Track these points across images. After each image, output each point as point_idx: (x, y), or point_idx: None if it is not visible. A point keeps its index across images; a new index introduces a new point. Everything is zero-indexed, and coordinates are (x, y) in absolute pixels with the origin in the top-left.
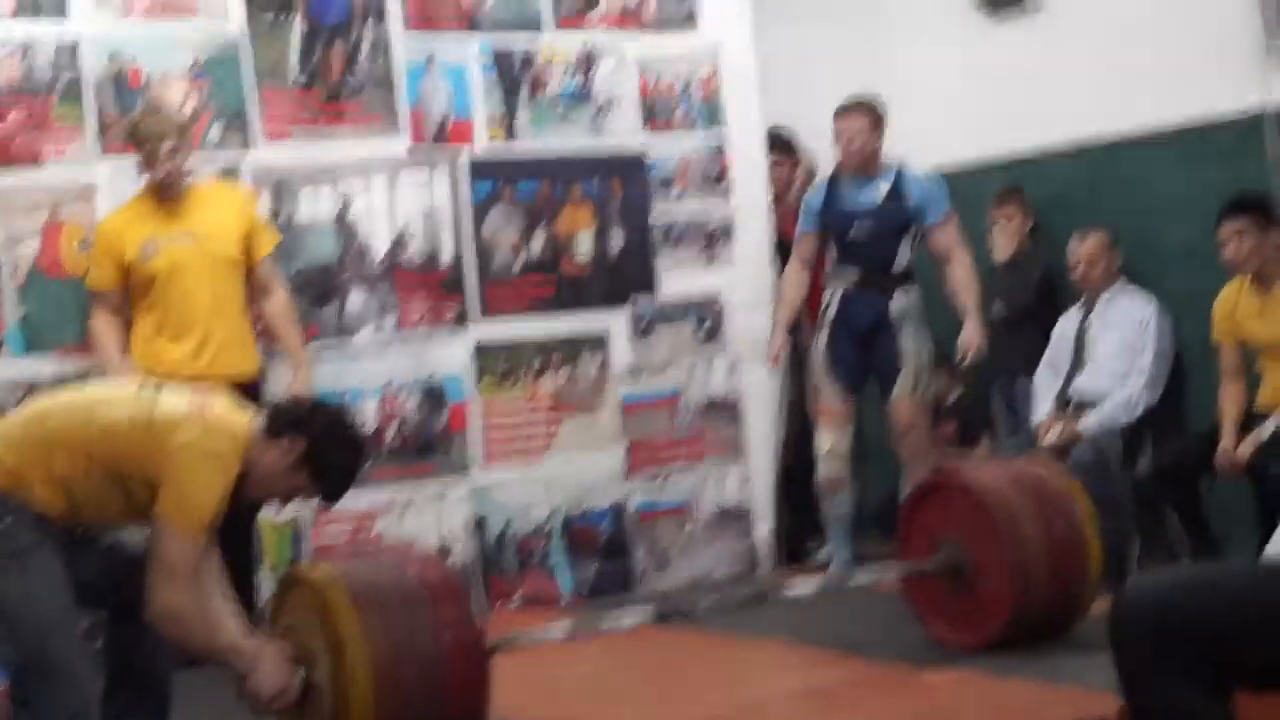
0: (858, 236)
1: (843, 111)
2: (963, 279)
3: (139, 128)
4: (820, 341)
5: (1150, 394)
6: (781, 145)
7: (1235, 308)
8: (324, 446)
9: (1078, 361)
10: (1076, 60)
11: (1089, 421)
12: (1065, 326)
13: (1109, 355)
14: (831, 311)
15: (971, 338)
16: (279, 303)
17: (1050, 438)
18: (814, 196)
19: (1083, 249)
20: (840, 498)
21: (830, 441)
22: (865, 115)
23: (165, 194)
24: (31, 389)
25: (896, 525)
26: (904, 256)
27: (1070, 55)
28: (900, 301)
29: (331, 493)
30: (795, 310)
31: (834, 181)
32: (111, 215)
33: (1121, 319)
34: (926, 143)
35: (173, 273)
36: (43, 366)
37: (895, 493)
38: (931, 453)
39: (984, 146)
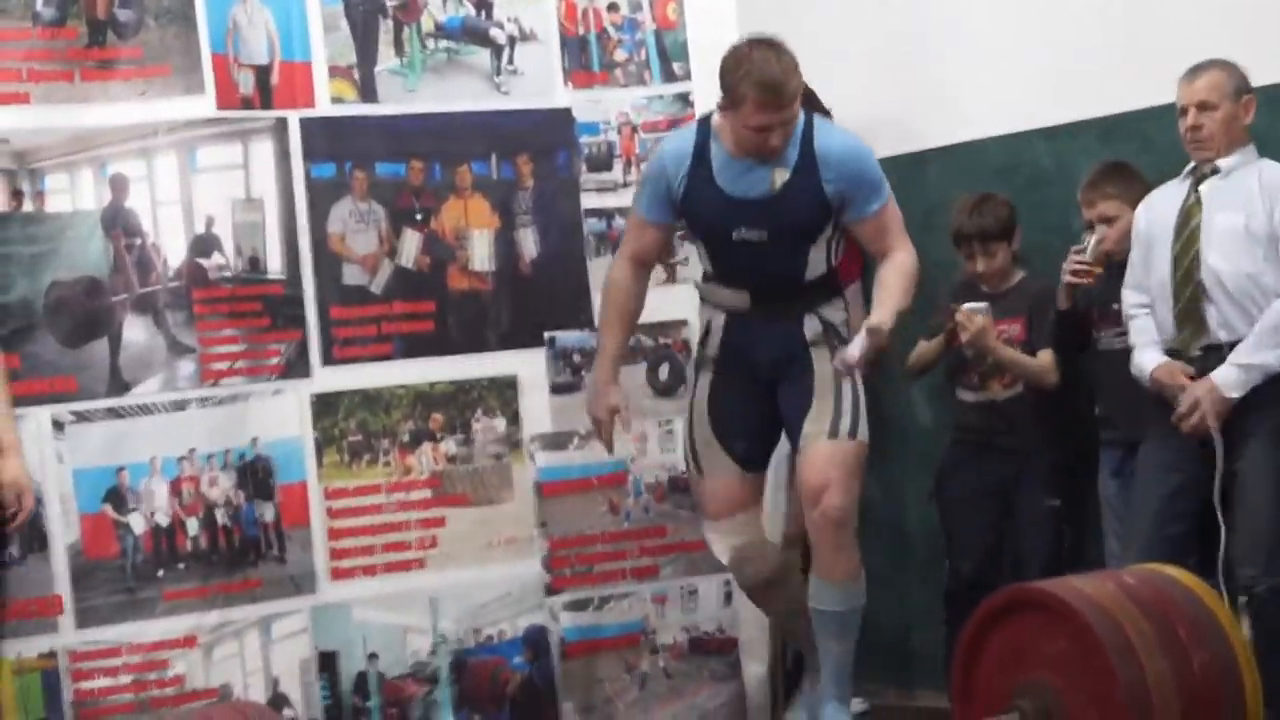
0: (746, 242)
1: (758, 70)
2: (890, 279)
3: None
4: (699, 390)
5: None
6: (775, 98)
7: None
8: None
9: (1182, 274)
10: None
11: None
12: (1157, 213)
13: (1235, 248)
14: (713, 346)
15: (875, 322)
16: None
17: (1186, 406)
18: (671, 163)
19: (1195, 88)
20: (780, 606)
21: (733, 545)
22: (792, 95)
23: None
24: None
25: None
26: (817, 265)
27: None
28: (814, 325)
29: None
30: (624, 347)
31: (703, 151)
32: None
33: (1253, 191)
34: (991, 100)
35: None
36: None
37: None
38: (854, 541)
39: (1073, 101)
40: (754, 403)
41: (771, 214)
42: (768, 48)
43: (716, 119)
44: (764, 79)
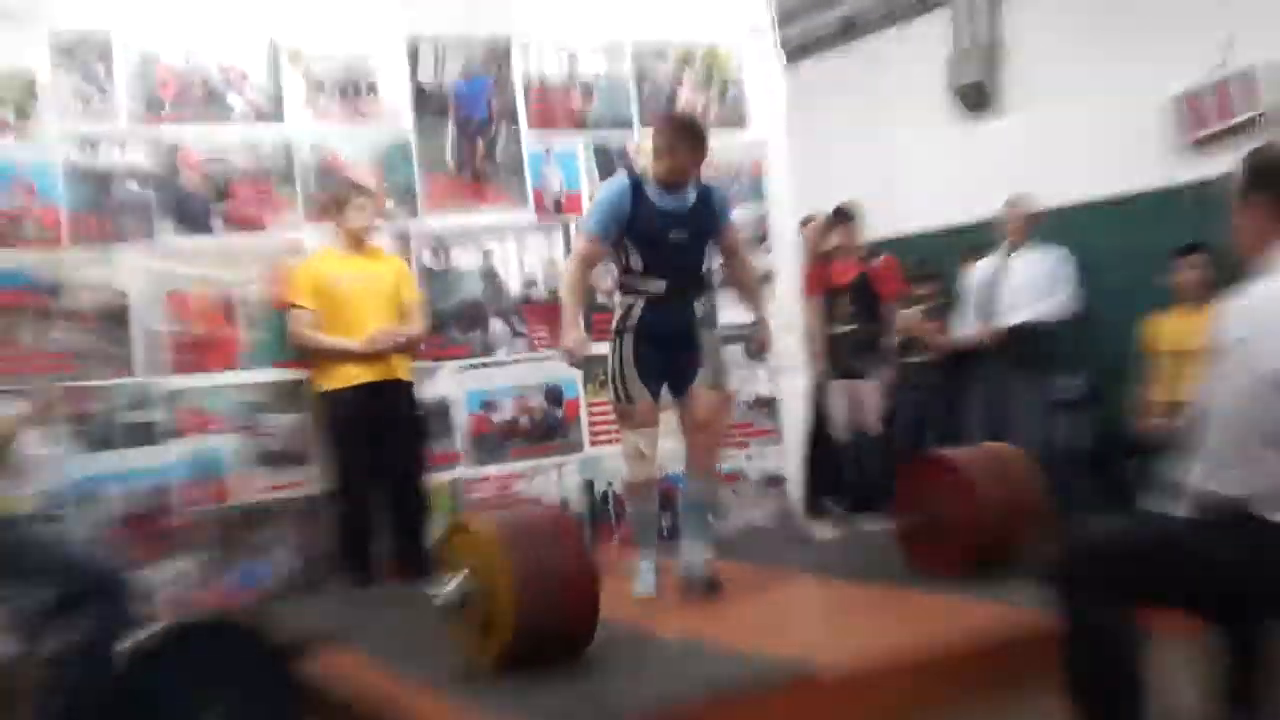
0: (676, 241)
1: (682, 129)
2: (753, 279)
3: (340, 190)
4: (625, 348)
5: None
6: (698, 148)
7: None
8: None
9: (994, 297)
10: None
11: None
12: (982, 273)
13: (1025, 286)
14: (633, 319)
15: (766, 334)
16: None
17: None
18: (619, 199)
19: (1018, 212)
20: (650, 499)
21: (647, 446)
22: (704, 142)
23: (352, 244)
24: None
25: (894, 489)
26: (709, 261)
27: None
28: (700, 308)
29: None
30: (581, 308)
31: (638, 188)
32: (311, 257)
33: (1035, 261)
34: (921, 207)
35: (351, 298)
36: (266, 376)
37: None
38: (721, 454)
39: (967, 210)
40: (661, 360)
41: (690, 220)
42: (691, 122)
43: (645, 169)
44: (696, 133)
